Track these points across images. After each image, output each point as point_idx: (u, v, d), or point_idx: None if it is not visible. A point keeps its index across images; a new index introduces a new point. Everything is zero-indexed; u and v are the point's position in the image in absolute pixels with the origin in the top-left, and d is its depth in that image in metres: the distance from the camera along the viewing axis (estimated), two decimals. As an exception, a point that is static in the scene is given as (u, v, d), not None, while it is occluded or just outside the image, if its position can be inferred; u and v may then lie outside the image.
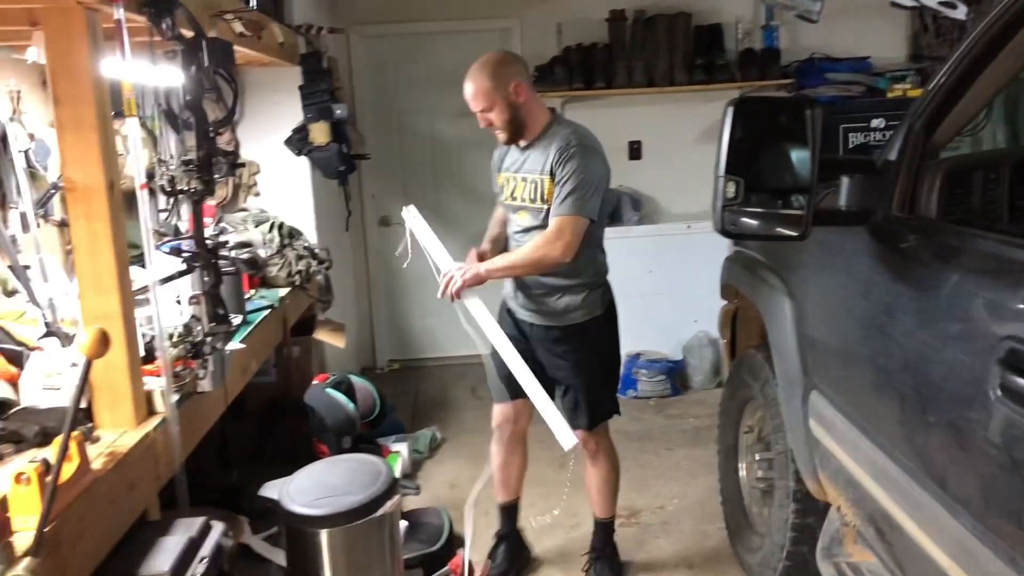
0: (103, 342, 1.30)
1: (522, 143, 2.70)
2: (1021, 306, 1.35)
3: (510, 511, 3.11)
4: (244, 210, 3.65)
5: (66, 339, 2.09)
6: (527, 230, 2.73)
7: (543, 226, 2.63)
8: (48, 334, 2.11)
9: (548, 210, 2.61)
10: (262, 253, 3.25)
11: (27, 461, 1.47)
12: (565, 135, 2.62)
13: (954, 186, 1.91)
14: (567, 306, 2.74)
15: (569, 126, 2.69)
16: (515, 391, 2.76)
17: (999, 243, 1.53)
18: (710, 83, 5.03)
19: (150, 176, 2.34)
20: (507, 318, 2.88)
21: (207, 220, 3.36)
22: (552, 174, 2.58)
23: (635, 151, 5.43)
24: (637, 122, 5.40)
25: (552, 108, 2.84)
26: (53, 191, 2.62)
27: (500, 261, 2.72)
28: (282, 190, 3.96)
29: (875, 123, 4.83)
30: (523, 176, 2.70)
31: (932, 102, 1.86)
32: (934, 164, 1.93)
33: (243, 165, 2.14)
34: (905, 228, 1.85)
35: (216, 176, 2.01)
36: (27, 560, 1.18)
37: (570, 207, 2.56)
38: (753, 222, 1.89)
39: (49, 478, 1.41)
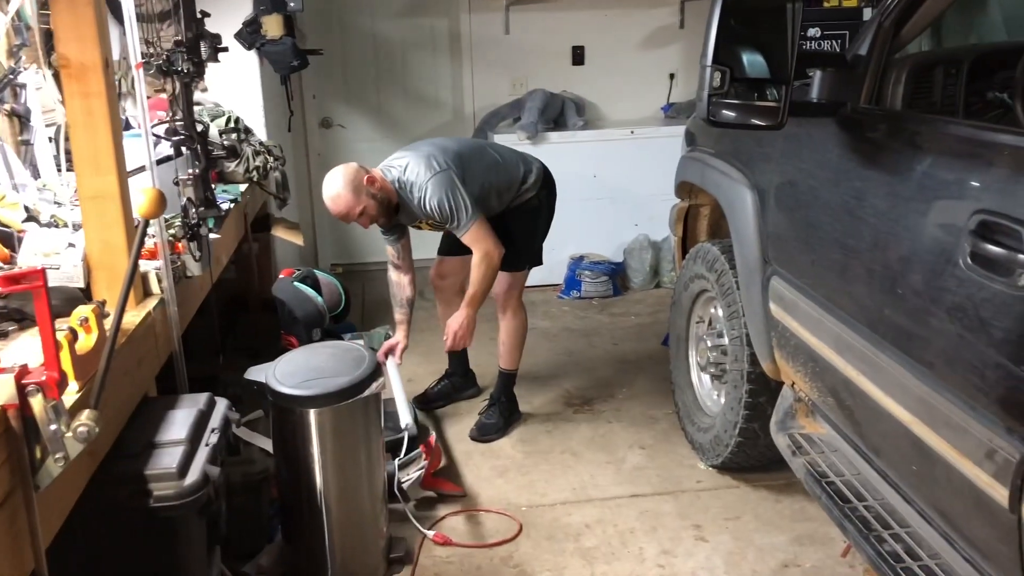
0: (160, 202, 1.32)
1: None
2: (992, 182, 1.50)
3: (459, 353, 3.63)
4: (197, 104, 3.57)
5: (49, 223, 2.07)
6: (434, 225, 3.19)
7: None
8: (29, 219, 2.09)
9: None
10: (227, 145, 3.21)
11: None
12: (410, 191, 2.98)
13: (918, 80, 2.05)
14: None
15: (402, 179, 3.00)
16: (443, 250, 3.46)
17: (969, 127, 1.68)
18: (655, -12, 5.07)
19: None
20: None
21: (160, 114, 3.29)
22: (428, 217, 3.04)
23: (578, 56, 5.47)
24: (580, 27, 5.42)
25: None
26: (7, 78, 2.53)
27: (470, 299, 3.10)
28: (231, 85, 3.88)
29: (812, 32, 4.97)
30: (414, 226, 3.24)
31: (900, 1, 1.98)
32: (899, 60, 2.07)
33: (226, 49, 2.11)
34: (875, 118, 1.99)
35: (203, 59, 1.99)
36: (87, 411, 1.23)
37: (463, 223, 2.96)
38: (732, 113, 2.00)
39: (92, 340, 1.45)
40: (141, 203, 1.32)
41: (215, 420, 1.87)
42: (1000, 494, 1.44)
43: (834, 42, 4.90)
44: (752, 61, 1.98)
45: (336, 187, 2.87)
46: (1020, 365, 1.37)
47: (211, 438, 1.78)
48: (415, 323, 4.59)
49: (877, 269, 1.81)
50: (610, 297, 5.04)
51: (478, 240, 3.00)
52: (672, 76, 5.54)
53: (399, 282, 3.37)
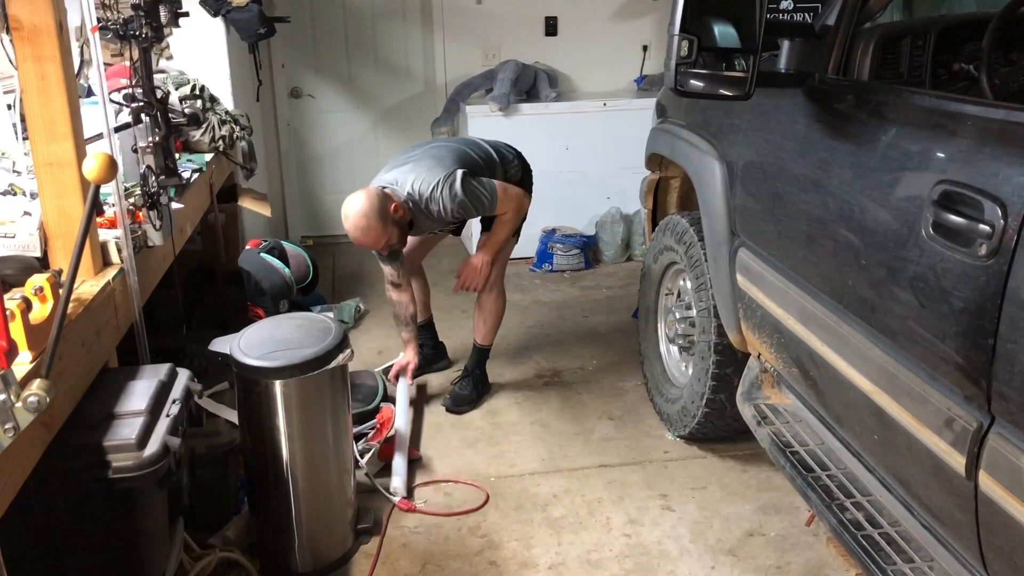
0: (111, 167, 1.29)
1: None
2: (954, 152, 1.50)
3: (427, 327, 3.65)
4: (161, 71, 3.50)
5: (7, 191, 2.03)
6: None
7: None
8: (-17, 186, 2.05)
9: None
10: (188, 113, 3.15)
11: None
12: (426, 206, 2.96)
13: (884, 51, 2.05)
14: None
15: (415, 195, 2.96)
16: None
17: (934, 98, 1.68)
18: (628, -42, 5.03)
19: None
20: None
21: (123, 81, 3.22)
22: (451, 223, 3.13)
23: (551, 27, 5.42)
24: (551, 2, 5.37)
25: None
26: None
27: (493, 243, 3.12)
28: (196, 53, 3.81)
29: (784, 4, 4.95)
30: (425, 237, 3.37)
31: (869, -29, 1.97)
32: (867, 30, 2.06)
33: (187, 14, 2.05)
34: (841, 89, 1.98)
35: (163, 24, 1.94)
36: (39, 380, 1.20)
37: (490, 204, 2.98)
38: (699, 83, 1.99)
39: (47, 309, 1.42)
40: (91, 168, 1.29)
41: (177, 391, 1.85)
42: (958, 462, 1.46)
43: (806, 15, 4.89)
44: (721, 31, 1.97)
45: (365, 218, 2.83)
46: (979, 335, 1.38)
47: (172, 409, 1.76)
48: (382, 295, 4.58)
49: (841, 240, 1.82)
50: (582, 270, 5.04)
51: (507, 200, 3.02)
52: (645, 48, 5.51)
53: (400, 300, 3.31)
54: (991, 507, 1.39)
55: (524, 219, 3.23)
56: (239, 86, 4.17)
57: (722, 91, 2.00)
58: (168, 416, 1.74)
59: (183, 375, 1.93)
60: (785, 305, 2.13)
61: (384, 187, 2.98)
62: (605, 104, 5.10)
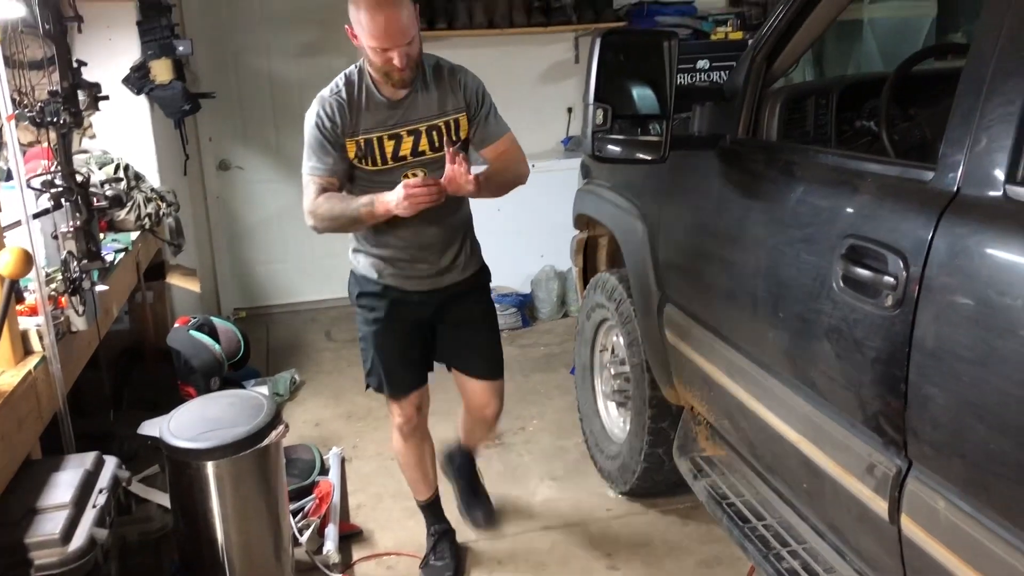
0: (26, 262, 1.27)
1: (399, 90, 2.22)
2: (859, 208, 1.58)
3: (437, 506, 2.75)
4: (84, 151, 3.47)
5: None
6: None
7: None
8: None
9: (457, 150, 2.17)
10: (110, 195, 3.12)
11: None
12: (449, 65, 2.33)
13: (791, 111, 2.15)
14: (471, 253, 2.52)
15: (437, 59, 2.34)
16: (419, 377, 2.54)
17: (838, 156, 1.76)
18: (548, 25, 5.18)
19: None
20: (396, 311, 2.45)
21: (44, 163, 3.19)
22: (468, 107, 2.29)
23: (478, 92, 5.51)
24: (480, 64, 5.37)
25: None
26: None
27: (485, 177, 2.28)
28: (120, 131, 3.78)
29: (700, 64, 5.15)
30: (414, 127, 2.25)
31: (771, 36, 2.07)
32: (773, 92, 2.16)
33: (107, 98, 2.05)
34: (751, 149, 2.07)
35: (83, 110, 1.94)
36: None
37: (505, 124, 2.41)
38: (618, 148, 2.05)
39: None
40: (5, 262, 1.27)
41: (103, 480, 1.80)
42: (881, 507, 1.50)
43: (722, 73, 5.10)
44: (634, 97, 2.05)
45: None
46: (891, 382, 1.43)
47: (99, 499, 1.72)
48: (319, 365, 4.55)
49: (759, 294, 1.88)
50: (519, 328, 5.07)
51: (514, 141, 2.44)
52: (570, 110, 5.64)
53: (343, 195, 2.30)
54: (914, 550, 1.43)
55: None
56: (166, 161, 4.14)
57: (638, 155, 2.06)
58: (95, 507, 1.70)
59: (110, 463, 1.88)
60: (712, 359, 2.18)
61: None
62: (534, 165, 5.12)
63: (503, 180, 2.41)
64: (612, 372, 3.03)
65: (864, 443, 1.55)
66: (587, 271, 3.50)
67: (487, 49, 5.42)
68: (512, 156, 2.43)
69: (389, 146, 2.26)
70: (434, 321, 2.50)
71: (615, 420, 3.20)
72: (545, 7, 5.19)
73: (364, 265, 2.44)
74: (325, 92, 2.28)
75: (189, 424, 2.26)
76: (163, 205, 3.42)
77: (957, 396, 1.30)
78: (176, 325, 3.42)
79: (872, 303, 1.47)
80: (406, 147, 2.27)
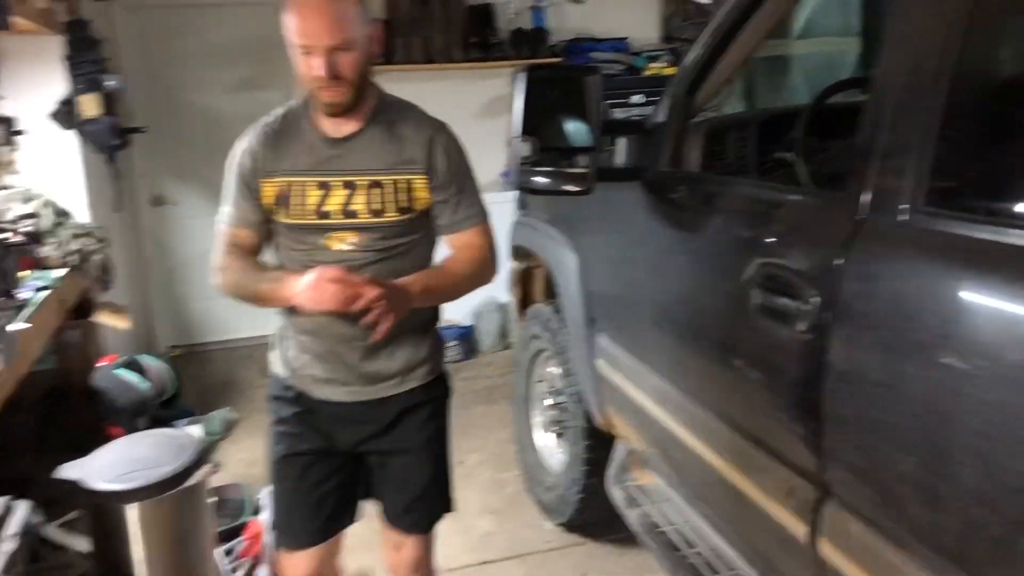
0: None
1: (344, 126, 1.76)
2: (773, 236, 1.61)
3: None
4: (4, 188, 3.38)
5: None
6: (353, 266, 1.72)
7: (385, 256, 1.77)
8: None
9: (408, 224, 1.78)
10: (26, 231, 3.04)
11: None
12: (426, 117, 1.89)
13: (712, 144, 2.19)
14: (425, 358, 1.90)
15: (403, 102, 1.92)
16: (323, 529, 1.94)
17: (753, 187, 1.80)
18: (485, 60, 5.23)
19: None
20: (297, 427, 1.90)
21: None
22: (432, 172, 1.79)
23: (416, 126, 5.53)
24: (418, 99, 5.34)
25: None
26: None
27: (426, 284, 1.75)
28: (47, 167, 3.70)
29: (635, 99, 5.25)
30: (351, 177, 1.75)
31: (691, 71, 2.12)
32: (695, 125, 2.20)
33: (21, 132, 2.00)
34: (674, 181, 2.11)
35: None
36: None
37: (482, 209, 1.90)
38: (544, 180, 2.07)
39: None
40: None
41: (13, 526, 1.74)
42: (801, 531, 1.52)
43: (656, 107, 5.19)
44: (559, 130, 2.07)
45: None
46: (807, 407, 1.46)
47: (7, 546, 1.65)
48: (254, 403, 4.45)
49: (682, 323, 1.90)
50: (462, 361, 5.05)
51: (491, 241, 1.89)
52: (509, 143, 5.69)
53: (255, 262, 1.86)
54: (834, 575, 1.44)
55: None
56: (96, 197, 4.05)
57: (564, 187, 2.08)
58: (3, 554, 1.63)
59: (21, 508, 1.82)
60: (642, 387, 2.20)
61: None
62: (473, 199, 5.20)
63: (453, 290, 1.81)
64: (548, 403, 3.04)
65: (784, 468, 1.57)
66: (525, 302, 3.51)
67: (426, 84, 5.45)
68: (476, 257, 1.83)
69: (313, 196, 1.75)
70: (362, 448, 1.91)
71: (552, 451, 3.19)
72: (483, 43, 5.25)
73: (276, 358, 1.92)
74: (261, 120, 1.88)
75: (111, 465, 2.20)
76: (90, 242, 3.34)
77: (867, 419, 1.32)
78: (101, 363, 3.34)
79: (786, 329, 1.50)
80: (334, 201, 1.75)
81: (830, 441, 1.41)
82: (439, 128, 1.87)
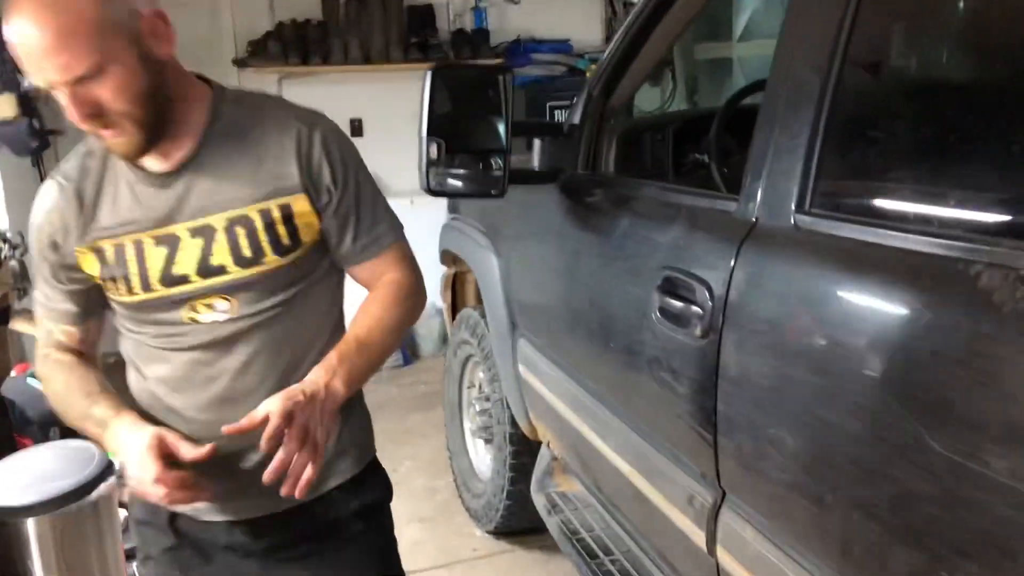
0: None
1: (171, 152, 1.26)
2: (673, 239, 1.59)
3: None
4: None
5: None
6: (223, 340, 1.31)
7: (273, 317, 1.32)
8: None
9: (295, 266, 1.32)
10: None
11: None
12: (292, 109, 1.36)
13: (628, 146, 2.17)
14: (349, 444, 1.51)
15: (256, 97, 1.42)
16: None
17: (656, 189, 1.78)
18: (425, 61, 5.17)
19: None
20: (171, 570, 1.43)
21: None
22: (313, 186, 1.31)
23: (356, 128, 5.45)
24: (357, 100, 5.42)
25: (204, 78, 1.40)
26: None
27: (354, 354, 1.31)
28: (-37, 169, 3.59)
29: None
30: (201, 222, 1.27)
31: (606, 71, 2.09)
32: (611, 127, 2.18)
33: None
34: (589, 183, 2.08)
35: None
36: None
37: (393, 224, 1.47)
38: (457, 182, 2.04)
39: None
40: None
41: None
42: (700, 538, 1.49)
43: (572, 107, 5.19)
44: (471, 131, 2.04)
45: None
46: (704, 412, 1.44)
47: None
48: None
49: (593, 327, 1.88)
50: (400, 367, 4.99)
51: (410, 258, 1.53)
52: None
53: (83, 375, 1.41)
54: (730, 581, 1.42)
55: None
56: (16, 201, 3.93)
57: (478, 189, 2.05)
58: None
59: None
60: (559, 393, 2.17)
61: None
62: (412, 202, 5.11)
63: (386, 350, 1.40)
64: (477, 409, 3.00)
65: (685, 474, 1.55)
66: (456, 307, 3.47)
67: (363, 85, 5.39)
68: (400, 293, 1.44)
69: (155, 257, 1.28)
70: None
71: (482, 457, 3.15)
72: (423, 44, 5.19)
73: None
74: (59, 167, 1.35)
75: (11, 478, 2.12)
76: (5, 248, 3.24)
77: (757, 424, 1.31)
78: (12, 374, 3.23)
79: (684, 333, 1.48)
80: (187, 259, 1.27)
81: (724, 446, 1.39)
82: (313, 121, 1.33)
